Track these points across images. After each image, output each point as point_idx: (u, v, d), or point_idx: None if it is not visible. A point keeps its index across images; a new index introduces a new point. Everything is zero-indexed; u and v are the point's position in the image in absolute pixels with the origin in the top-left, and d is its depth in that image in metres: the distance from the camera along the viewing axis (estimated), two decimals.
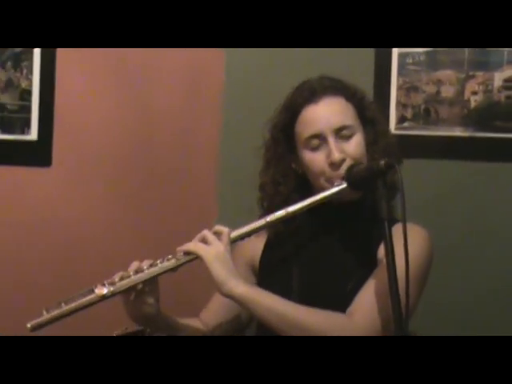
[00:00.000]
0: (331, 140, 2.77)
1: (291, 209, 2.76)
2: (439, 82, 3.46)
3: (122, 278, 2.63)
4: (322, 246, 2.97)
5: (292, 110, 2.90)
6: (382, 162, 2.57)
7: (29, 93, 3.40)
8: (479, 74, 3.40)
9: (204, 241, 2.72)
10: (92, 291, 2.58)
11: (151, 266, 2.66)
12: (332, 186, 2.76)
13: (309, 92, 2.87)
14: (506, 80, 3.34)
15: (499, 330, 3.36)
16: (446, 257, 3.09)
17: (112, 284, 2.61)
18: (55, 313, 2.55)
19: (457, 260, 3.43)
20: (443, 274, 3.19)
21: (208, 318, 3.05)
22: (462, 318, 3.54)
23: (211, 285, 2.82)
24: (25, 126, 3.41)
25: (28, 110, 3.41)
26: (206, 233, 2.74)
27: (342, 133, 2.79)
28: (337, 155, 2.75)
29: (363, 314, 2.72)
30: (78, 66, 3.53)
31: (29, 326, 2.54)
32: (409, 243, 2.49)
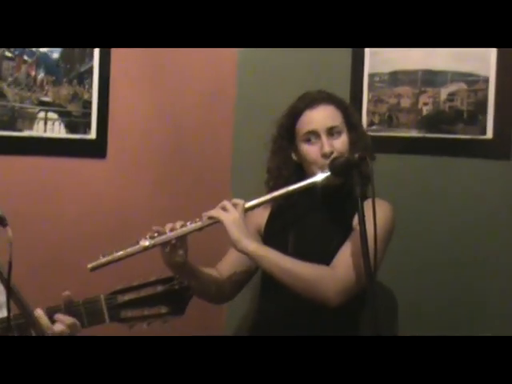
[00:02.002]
0: (323, 136, 2.97)
1: (291, 188, 2.90)
2: (399, 96, 3.51)
3: (160, 234, 2.76)
4: (311, 217, 3.13)
5: (295, 112, 3.06)
6: (356, 155, 2.77)
7: (89, 103, 3.42)
8: (429, 89, 3.43)
9: (224, 209, 2.87)
10: (137, 243, 2.72)
11: (182, 226, 2.79)
12: (319, 173, 2.91)
13: (309, 100, 3.04)
14: (449, 94, 3.37)
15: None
16: (401, 227, 3.12)
17: (152, 238, 2.74)
18: (109, 257, 2.68)
19: (411, 229, 3.42)
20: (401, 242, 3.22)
21: (223, 269, 3.18)
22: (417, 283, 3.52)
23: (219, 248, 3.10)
24: (86, 128, 3.43)
25: (89, 115, 3.44)
26: (226, 203, 2.89)
27: (331, 131, 2.98)
28: (327, 148, 2.95)
29: (342, 267, 2.90)
30: (126, 81, 3.57)
31: (89, 266, 2.67)
32: (376, 212, 2.64)
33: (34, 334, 2.16)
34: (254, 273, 3.22)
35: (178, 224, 2.81)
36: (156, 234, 2.77)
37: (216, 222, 2.87)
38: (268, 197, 2.95)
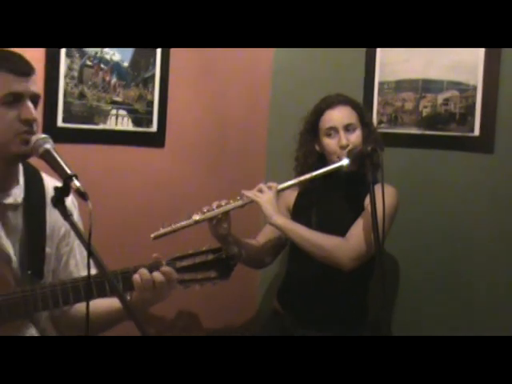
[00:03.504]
0: (341, 131, 3.03)
1: (315, 173, 2.96)
2: (403, 100, 3.50)
3: (208, 211, 2.85)
4: (330, 198, 3.16)
5: (318, 112, 3.09)
6: (369, 148, 2.83)
7: (152, 102, 3.41)
8: (428, 95, 3.43)
9: (260, 191, 2.95)
10: (190, 217, 2.82)
11: (226, 203, 2.88)
12: (340, 161, 2.96)
13: (329, 101, 3.08)
14: (445, 99, 3.37)
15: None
16: (404, 208, 3.15)
17: (202, 213, 2.83)
18: (167, 229, 2.78)
19: (412, 210, 3.40)
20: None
21: (261, 240, 3.21)
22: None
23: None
24: (149, 123, 3.42)
25: (151, 113, 3.42)
26: (262, 185, 2.98)
27: (348, 128, 3.03)
28: (344, 141, 3.01)
29: (354, 238, 2.94)
30: (181, 84, 3.53)
31: (152, 235, 2.77)
32: (385, 195, 2.70)
33: (108, 290, 2.17)
34: (286, 243, 3.25)
35: (223, 201, 2.87)
36: (205, 210, 2.83)
37: (252, 201, 2.92)
38: (297, 180, 3.00)
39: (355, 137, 3.05)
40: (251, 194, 2.93)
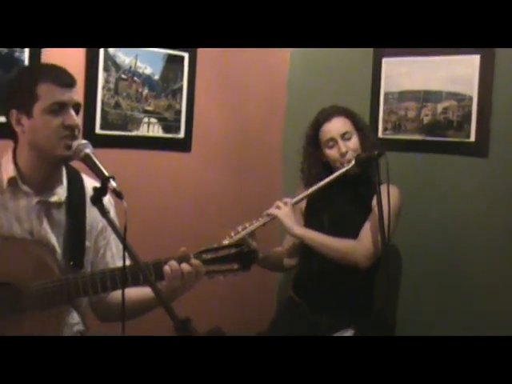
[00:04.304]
0: (339, 140, 3.03)
1: (323, 182, 2.97)
2: (406, 109, 3.50)
3: (235, 234, 2.81)
4: (339, 200, 3.14)
5: (316, 125, 3.10)
6: (376, 152, 2.83)
7: (180, 111, 3.43)
8: (428, 104, 3.43)
9: (277, 207, 2.97)
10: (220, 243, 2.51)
11: (250, 224, 2.88)
12: (342, 167, 2.96)
13: (325, 114, 3.09)
14: (444, 108, 3.38)
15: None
16: (406, 207, 3.12)
17: (231, 237, 2.78)
18: (202, 249, 2.36)
19: (414, 209, 3.38)
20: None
21: (287, 245, 3.24)
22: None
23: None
24: (177, 130, 3.44)
25: (179, 121, 3.44)
26: (278, 202, 2.99)
27: (344, 136, 3.02)
28: (343, 149, 3.02)
29: (366, 239, 2.94)
30: (206, 96, 3.54)
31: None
32: (390, 196, 2.73)
33: (141, 279, 2.18)
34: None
35: (247, 223, 2.87)
36: (233, 234, 2.80)
37: (274, 217, 2.94)
38: (309, 191, 3.00)
39: (353, 143, 3.05)
40: (270, 211, 2.95)
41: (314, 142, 3.15)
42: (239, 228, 2.83)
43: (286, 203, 2.96)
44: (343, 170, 2.97)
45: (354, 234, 3.00)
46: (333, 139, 3.05)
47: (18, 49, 2.80)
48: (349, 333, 2.99)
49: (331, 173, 3.03)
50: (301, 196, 3.00)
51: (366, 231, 2.98)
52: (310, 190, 2.99)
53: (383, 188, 2.77)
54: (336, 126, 3.06)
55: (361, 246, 2.95)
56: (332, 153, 3.07)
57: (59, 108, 2.23)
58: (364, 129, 3.14)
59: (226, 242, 2.58)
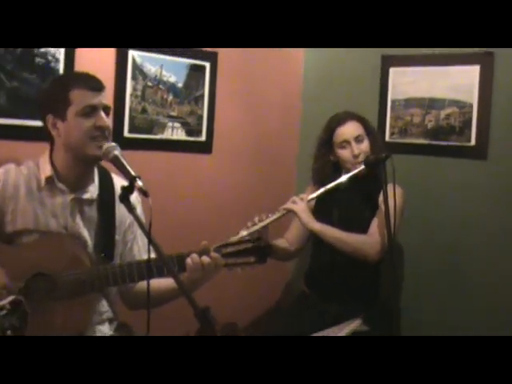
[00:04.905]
0: (353, 143, 3.04)
1: (338, 181, 2.95)
2: (411, 115, 3.52)
3: (252, 225, 2.74)
4: (348, 197, 3.14)
5: (331, 128, 3.11)
6: (383, 154, 2.83)
7: (201, 116, 3.42)
8: (432, 111, 3.45)
9: (294, 202, 2.96)
10: (238, 233, 2.58)
11: (267, 217, 2.83)
12: (354, 168, 2.96)
13: (339, 119, 3.10)
14: (446, 115, 3.39)
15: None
16: (410, 206, 3.16)
17: (248, 228, 2.69)
18: (221, 243, 2.40)
19: (418, 208, 3.41)
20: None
21: (289, 238, 3.24)
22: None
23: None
24: (199, 133, 3.43)
25: (201, 125, 3.43)
26: (295, 197, 2.97)
27: (357, 139, 3.03)
28: (356, 151, 3.02)
29: (376, 234, 2.96)
30: (226, 102, 3.54)
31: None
32: (396, 195, 2.74)
33: (166, 272, 2.20)
34: (309, 238, 3.26)
35: (263, 215, 2.83)
36: (250, 225, 2.76)
37: (290, 211, 2.93)
38: (323, 189, 2.97)
39: (364, 146, 3.07)
40: (287, 206, 2.94)
41: (327, 144, 3.15)
42: (256, 219, 2.79)
43: (302, 199, 2.95)
44: (355, 171, 2.97)
45: (361, 229, 3.02)
46: (346, 141, 3.06)
47: (53, 59, 2.85)
48: (357, 321, 3.00)
49: (340, 173, 3.05)
50: (317, 193, 2.97)
51: (375, 227, 2.99)
52: (325, 188, 2.96)
53: (389, 187, 2.78)
54: (350, 130, 3.07)
55: (371, 240, 2.96)
56: (345, 153, 3.08)
57: (91, 111, 2.27)
58: (374, 133, 3.16)
59: (243, 232, 2.63)
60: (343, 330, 2.87)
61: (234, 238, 2.39)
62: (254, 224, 2.77)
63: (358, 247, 2.95)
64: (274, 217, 2.86)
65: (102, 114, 2.29)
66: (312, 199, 3.00)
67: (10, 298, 2.15)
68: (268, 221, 2.82)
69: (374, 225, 3.00)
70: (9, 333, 2.10)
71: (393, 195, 2.75)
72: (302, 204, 2.94)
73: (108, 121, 2.31)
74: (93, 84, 2.30)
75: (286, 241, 3.24)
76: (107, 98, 2.40)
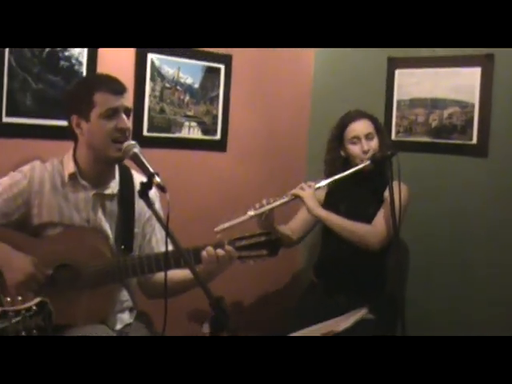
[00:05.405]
0: (363, 139, 3.03)
1: (345, 173, 2.94)
2: (416, 114, 3.51)
3: (260, 207, 2.76)
4: (355, 191, 3.13)
5: (343, 124, 3.10)
6: (389, 152, 2.84)
7: (216, 116, 3.42)
8: (436, 110, 3.43)
9: (301, 188, 2.92)
10: (245, 213, 2.72)
11: (274, 200, 2.80)
12: (361, 163, 2.96)
13: (351, 116, 3.10)
14: (449, 114, 3.38)
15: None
16: (415, 202, 3.14)
17: (255, 209, 2.75)
18: (227, 224, 2.64)
19: (422, 203, 3.37)
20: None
21: (293, 225, 3.20)
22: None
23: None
24: (214, 132, 3.41)
25: (216, 124, 3.42)
26: (303, 184, 2.94)
27: (368, 136, 3.02)
28: (366, 147, 3.01)
29: (380, 225, 2.96)
30: (240, 102, 3.52)
31: (216, 230, 2.62)
32: (401, 191, 2.75)
33: (183, 263, 2.21)
34: (312, 229, 3.25)
35: (271, 199, 2.82)
36: (257, 206, 2.78)
37: (297, 197, 2.91)
38: (331, 179, 2.97)
39: (374, 143, 3.06)
40: (295, 191, 2.92)
41: (338, 139, 3.14)
42: (264, 201, 2.79)
43: (310, 186, 2.93)
44: (361, 165, 2.97)
45: (366, 221, 3.01)
46: (357, 137, 3.05)
47: (76, 62, 2.86)
48: (363, 310, 3.00)
49: (349, 167, 3.02)
50: (324, 182, 2.95)
51: (379, 218, 2.99)
52: (332, 178, 2.95)
53: (394, 184, 2.79)
54: (361, 127, 3.07)
55: (374, 230, 2.96)
56: (355, 149, 3.06)
57: (113, 113, 2.29)
58: (382, 132, 3.15)
59: (250, 212, 2.71)
60: (350, 319, 2.89)
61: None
62: (262, 205, 2.77)
63: (360, 235, 2.94)
64: (282, 201, 2.83)
65: (124, 116, 2.31)
66: (319, 187, 2.97)
67: (37, 299, 2.15)
68: (275, 204, 2.80)
69: (378, 216, 3.00)
70: (35, 332, 2.10)
71: (398, 190, 2.75)
72: (309, 191, 2.91)
73: (128, 122, 2.33)
74: (115, 87, 2.32)
75: (289, 229, 3.20)
76: (128, 99, 2.41)
